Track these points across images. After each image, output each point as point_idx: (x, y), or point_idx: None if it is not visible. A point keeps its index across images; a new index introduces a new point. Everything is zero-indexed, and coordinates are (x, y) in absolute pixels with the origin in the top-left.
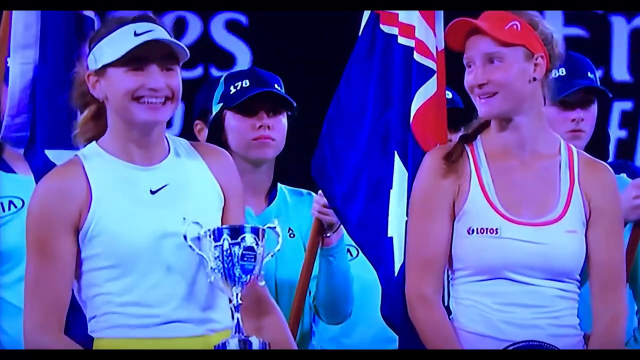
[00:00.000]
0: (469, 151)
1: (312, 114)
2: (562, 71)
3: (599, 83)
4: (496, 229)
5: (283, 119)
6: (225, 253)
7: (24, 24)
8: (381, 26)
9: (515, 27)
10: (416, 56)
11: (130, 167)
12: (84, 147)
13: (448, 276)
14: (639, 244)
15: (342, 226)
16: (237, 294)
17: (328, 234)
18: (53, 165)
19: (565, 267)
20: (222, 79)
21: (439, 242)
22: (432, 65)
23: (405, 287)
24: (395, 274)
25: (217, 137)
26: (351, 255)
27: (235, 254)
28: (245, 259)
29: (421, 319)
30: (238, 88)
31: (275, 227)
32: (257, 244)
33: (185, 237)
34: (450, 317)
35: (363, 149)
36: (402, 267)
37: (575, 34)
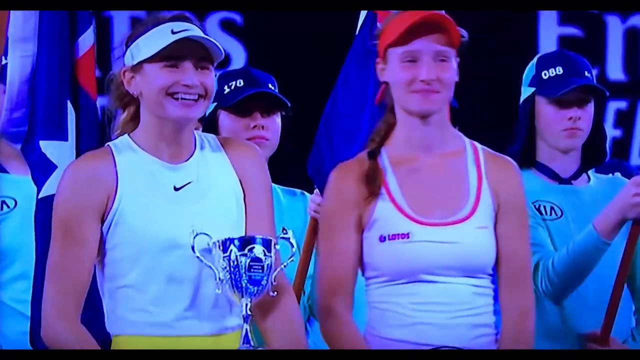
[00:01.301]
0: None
1: (307, 113)
2: (559, 70)
3: (595, 82)
4: (407, 234)
5: (277, 119)
6: (232, 264)
7: (22, 17)
8: (378, 24)
9: (457, 28)
10: None
11: (157, 163)
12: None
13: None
14: (637, 242)
15: None
16: (246, 305)
17: None
18: (48, 159)
19: (478, 264)
20: (216, 78)
21: (347, 257)
22: None
23: (316, 303)
24: None
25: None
26: None
27: (242, 265)
28: (252, 269)
29: (329, 333)
30: (232, 88)
31: (289, 238)
32: (265, 255)
33: (192, 248)
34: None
35: (360, 148)
36: None
37: (570, 33)
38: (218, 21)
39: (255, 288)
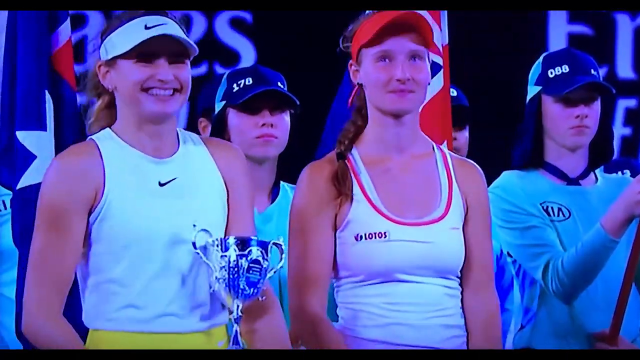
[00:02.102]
0: (346, 162)
1: (316, 111)
2: (565, 68)
3: (602, 80)
4: (384, 233)
5: (286, 117)
6: (231, 264)
7: None
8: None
9: (433, 27)
10: None
11: (141, 157)
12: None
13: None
14: None
15: None
16: (238, 306)
17: None
18: (27, 149)
19: (450, 264)
20: (225, 76)
21: (321, 256)
22: (438, 60)
23: (289, 303)
24: None
25: (220, 135)
26: None
27: (241, 266)
28: (251, 271)
29: (305, 332)
30: (241, 86)
31: (281, 245)
32: (263, 258)
33: (194, 244)
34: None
35: None
36: None
37: (580, 31)
38: (228, 19)
39: (252, 290)
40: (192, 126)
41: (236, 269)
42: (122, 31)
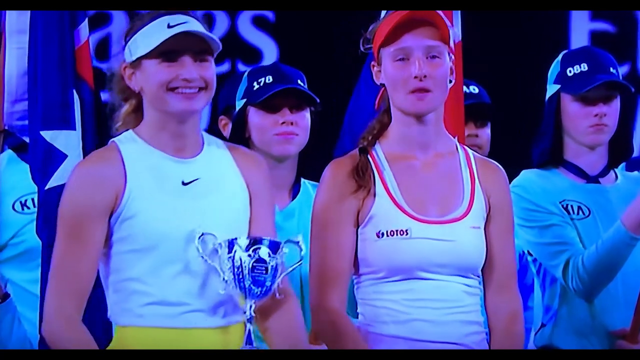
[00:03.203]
0: (369, 157)
1: (338, 108)
2: (584, 66)
3: (621, 78)
4: (406, 230)
5: (306, 115)
6: (236, 264)
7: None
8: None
9: (448, 24)
10: None
11: (164, 157)
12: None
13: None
14: None
15: None
16: (250, 306)
17: None
18: (57, 149)
19: (471, 263)
20: (245, 74)
21: (342, 254)
22: (451, 57)
23: (309, 299)
24: None
25: (241, 133)
26: None
27: (245, 266)
28: (256, 270)
29: (326, 329)
30: (261, 84)
31: (298, 242)
32: (270, 257)
33: (198, 249)
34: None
35: None
36: None
37: (602, 29)
38: (250, 17)
39: (259, 289)
40: (213, 124)
41: (240, 269)
42: (145, 31)
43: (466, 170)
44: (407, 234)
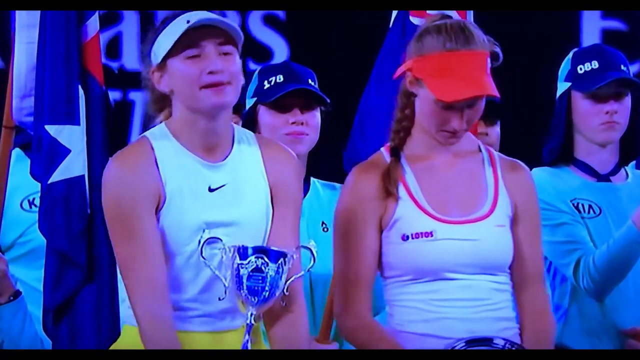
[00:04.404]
0: (386, 157)
1: (348, 106)
2: (595, 64)
3: (632, 76)
4: (431, 232)
5: (317, 114)
6: (234, 272)
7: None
8: (411, 18)
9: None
10: None
11: (194, 160)
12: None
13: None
14: None
15: None
16: (251, 314)
17: None
18: (60, 144)
19: (498, 261)
20: (256, 73)
21: (367, 258)
22: None
23: (334, 308)
24: None
25: (251, 131)
26: None
27: (242, 274)
28: (251, 279)
29: (351, 329)
30: (272, 83)
31: (311, 248)
32: (267, 266)
33: (201, 252)
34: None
35: None
36: None
37: (613, 27)
38: (261, 16)
39: (255, 298)
40: None
41: (238, 278)
42: (166, 32)
43: (489, 169)
44: (432, 235)
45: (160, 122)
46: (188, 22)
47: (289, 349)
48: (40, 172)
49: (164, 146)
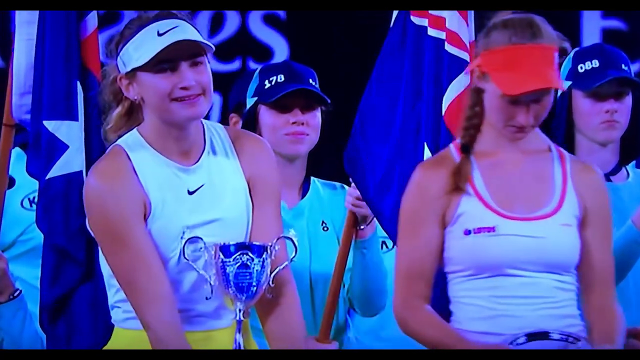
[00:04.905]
0: (454, 154)
1: (348, 106)
2: (596, 63)
3: (633, 76)
4: (493, 227)
5: (317, 114)
6: (220, 270)
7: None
8: (412, 18)
9: (556, 58)
10: (448, 47)
11: (170, 166)
12: (118, 137)
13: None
14: None
15: (375, 219)
16: (239, 310)
17: (362, 227)
18: (59, 139)
19: (562, 260)
20: (257, 72)
21: (429, 252)
22: (465, 56)
23: (393, 302)
24: None
25: (251, 131)
26: (387, 247)
27: (228, 272)
28: (239, 277)
29: (414, 322)
30: (273, 83)
31: (292, 238)
32: (252, 260)
33: (183, 252)
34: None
35: (395, 142)
36: None
37: (614, 26)
38: (261, 15)
39: (244, 295)
40: (224, 122)
41: (224, 275)
42: (136, 41)
43: (558, 169)
44: (493, 231)
45: (117, 117)
46: (159, 33)
47: (284, 343)
48: (37, 168)
49: (140, 155)
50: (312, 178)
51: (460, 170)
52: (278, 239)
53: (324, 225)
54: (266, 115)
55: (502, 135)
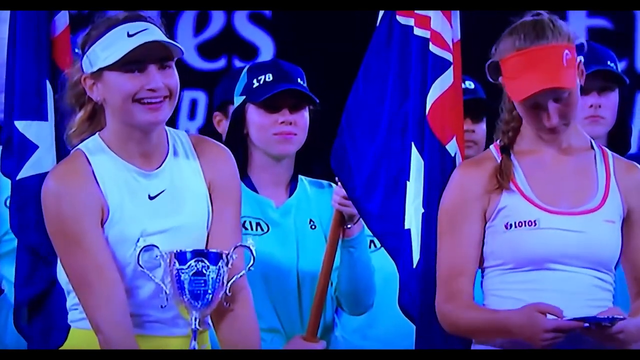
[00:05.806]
0: (496, 154)
1: (335, 105)
2: (581, 59)
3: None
4: (534, 221)
5: (305, 114)
6: (174, 278)
7: None
8: (397, 17)
9: (568, 56)
10: (432, 48)
11: (131, 170)
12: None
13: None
14: None
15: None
16: (195, 319)
17: (349, 225)
18: (28, 140)
19: (603, 256)
20: (245, 70)
21: (470, 248)
22: (448, 56)
23: (436, 299)
24: (414, 265)
25: (239, 129)
26: (375, 246)
27: (183, 279)
28: (194, 284)
29: (456, 310)
30: (261, 82)
31: (249, 247)
32: (207, 268)
33: (138, 260)
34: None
35: (382, 141)
36: (421, 259)
37: (599, 24)
38: (247, 14)
39: (199, 302)
40: (210, 120)
41: (179, 283)
42: (104, 42)
43: (601, 166)
44: (535, 224)
45: (79, 121)
46: (129, 34)
47: (239, 348)
48: (10, 168)
49: (101, 159)
50: (299, 176)
51: (502, 169)
52: (236, 247)
53: (311, 223)
54: (254, 115)
55: (539, 135)
